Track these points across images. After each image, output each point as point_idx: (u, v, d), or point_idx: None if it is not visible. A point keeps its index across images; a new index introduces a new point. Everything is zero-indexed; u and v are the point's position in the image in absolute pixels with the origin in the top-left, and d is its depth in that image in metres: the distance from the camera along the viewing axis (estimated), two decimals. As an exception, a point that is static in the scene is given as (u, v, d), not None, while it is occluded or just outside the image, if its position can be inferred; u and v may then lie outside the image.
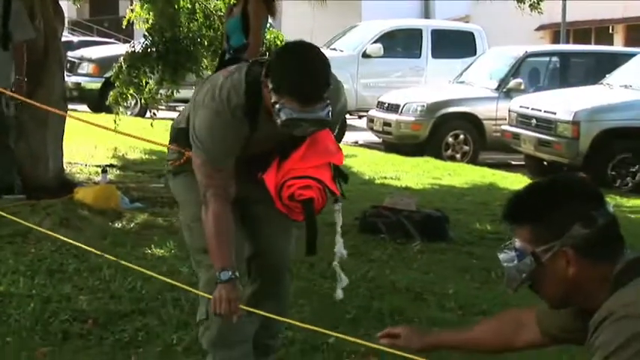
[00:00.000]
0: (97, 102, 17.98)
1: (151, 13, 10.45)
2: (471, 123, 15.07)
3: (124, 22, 11.40)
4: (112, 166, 10.71)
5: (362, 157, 14.03)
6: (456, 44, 18.61)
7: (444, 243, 7.64)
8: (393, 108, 15.55)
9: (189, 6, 10.42)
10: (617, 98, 12.89)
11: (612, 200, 10.40)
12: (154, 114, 11.66)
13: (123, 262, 5.09)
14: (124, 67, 10.38)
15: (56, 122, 8.38)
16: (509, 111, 14.06)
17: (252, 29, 8.15)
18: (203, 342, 4.13)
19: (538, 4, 10.41)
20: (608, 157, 12.36)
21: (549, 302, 2.80)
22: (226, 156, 3.81)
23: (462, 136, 15.06)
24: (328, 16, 21.93)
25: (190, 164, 3.92)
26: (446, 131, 15.02)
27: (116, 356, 4.78)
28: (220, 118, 3.76)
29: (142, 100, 12.50)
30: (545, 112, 12.96)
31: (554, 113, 12.74)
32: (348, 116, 17.01)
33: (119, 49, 17.46)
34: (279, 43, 10.01)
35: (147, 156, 11.90)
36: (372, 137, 17.14)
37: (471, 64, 16.86)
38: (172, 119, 4.53)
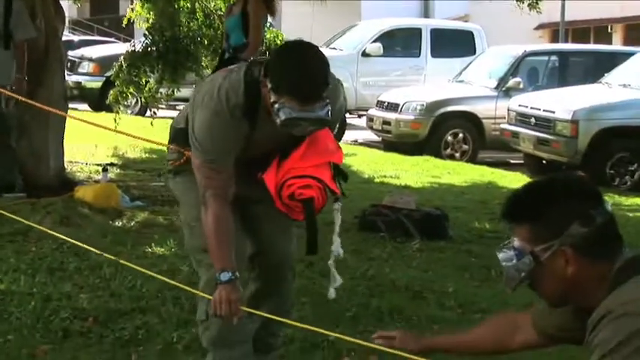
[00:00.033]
0: (98, 101, 18.01)
1: (151, 12, 10.47)
2: (471, 122, 15.07)
3: (125, 22, 11.42)
4: (112, 164, 10.72)
5: (361, 155, 14.04)
6: (455, 43, 18.62)
7: (444, 241, 7.64)
8: (393, 107, 15.56)
9: (189, 5, 10.44)
10: (616, 97, 12.89)
11: (611, 199, 10.41)
12: (154, 113, 11.67)
13: (122, 262, 5.08)
14: (124, 66, 10.40)
15: (57, 121, 8.38)
16: (508, 110, 14.07)
17: (251, 28, 8.16)
18: (203, 341, 4.13)
19: (537, 3, 10.42)
20: (607, 155, 12.37)
21: (548, 301, 2.80)
22: (226, 156, 3.80)
23: (461, 135, 15.06)
24: (328, 16, 21.96)
25: (190, 164, 3.91)
26: (445, 130, 15.03)
27: (116, 354, 4.78)
28: (219, 119, 3.75)
29: (142, 99, 12.52)
30: (544, 110, 12.97)
31: (553, 112, 12.74)
32: (347, 115, 17.00)
33: (119, 48, 17.47)
34: (278, 42, 10.02)
35: (147, 155, 11.90)
36: (371, 136, 17.14)
37: (470, 63, 16.87)
38: (172, 118, 4.52)
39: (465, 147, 15.04)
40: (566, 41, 28.20)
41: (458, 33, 19.30)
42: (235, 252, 3.79)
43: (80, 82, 19.03)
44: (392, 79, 17.95)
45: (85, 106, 18.88)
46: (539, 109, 13.07)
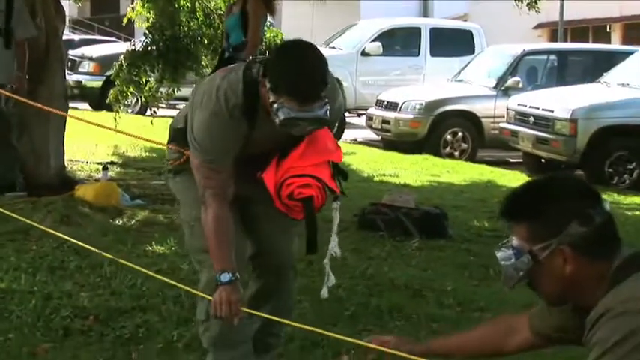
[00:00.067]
0: (98, 100, 18.01)
1: (151, 11, 10.48)
2: (470, 121, 15.09)
3: (125, 21, 11.45)
4: (112, 163, 10.72)
5: (361, 154, 14.04)
6: (454, 43, 18.63)
7: (443, 240, 7.65)
8: (392, 106, 15.58)
9: (190, 5, 10.44)
10: (615, 96, 12.91)
11: (609, 198, 10.43)
12: (155, 112, 11.67)
13: (120, 261, 5.08)
14: (124, 66, 10.41)
15: (58, 120, 8.38)
16: (507, 109, 14.08)
17: (250, 27, 8.16)
18: (203, 341, 4.13)
19: (536, 3, 10.45)
20: (606, 154, 12.37)
21: (546, 300, 2.81)
22: (225, 157, 3.79)
23: (460, 134, 15.08)
24: (327, 16, 22.01)
25: (190, 164, 3.91)
26: (444, 129, 15.04)
27: (117, 352, 4.79)
28: (218, 119, 3.74)
29: (143, 98, 12.54)
30: (542, 109, 12.98)
31: (552, 111, 12.76)
32: (347, 114, 17.03)
33: (120, 47, 17.51)
34: (278, 42, 10.02)
35: (147, 153, 11.89)
36: (371, 135, 17.15)
37: (470, 62, 16.89)
38: (172, 117, 4.51)
39: (464, 146, 15.06)
40: (564, 40, 28.21)
41: (457, 32, 19.30)
42: (235, 252, 3.78)
43: (81, 81, 19.07)
44: (391, 78, 17.95)
45: (86, 105, 18.90)
46: (538, 108, 13.08)
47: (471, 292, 6.19)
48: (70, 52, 18.71)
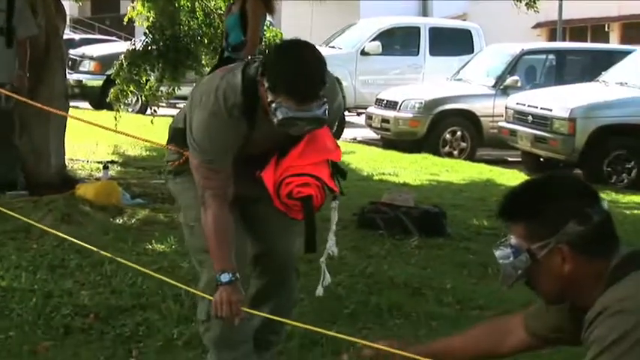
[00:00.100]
0: (99, 99, 18.07)
1: (151, 11, 10.49)
2: (469, 120, 15.11)
3: (126, 20, 11.46)
4: (113, 162, 10.74)
5: (360, 153, 14.05)
6: (453, 42, 18.65)
7: (442, 238, 7.66)
8: (392, 105, 15.60)
9: (190, 4, 10.45)
10: (613, 95, 12.92)
11: (608, 196, 10.44)
12: (155, 111, 11.68)
13: (119, 260, 5.07)
14: (124, 65, 10.42)
15: (58, 119, 8.38)
16: (506, 108, 14.10)
17: (250, 27, 8.16)
18: (205, 341, 4.13)
19: (534, 2, 10.46)
20: (604, 153, 12.38)
21: (545, 298, 2.82)
22: (224, 156, 3.78)
23: (459, 133, 15.10)
24: (327, 16, 22.02)
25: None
26: (443, 128, 15.06)
27: (117, 350, 4.80)
28: (217, 119, 3.73)
29: (143, 98, 12.55)
30: (541, 109, 12.99)
31: (551, 110, 12.77)
32: (346, 113, 17.05)
33: (120, 46, 17.54)
34: (278, 41, 10.00)
35: (148, 152, 11.90)
36: (370, 134, 17.16)
37: (469, 61, 16.90)
38: (173, 116, 4.52)
39: (463, 145, 15.07)
40: (563, 40, 28.23)
41: (456, 32, 19.32)
42: (235, 252, 3.78)
43: (81, 81, 19.12)
44: (391, 77, 17.97)
45: (86, 105, 18.92)
46: (537, 107, 13.10)
47: (470, 290, 6.20)
48: (71, 51, 18.71)
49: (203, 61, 10.47)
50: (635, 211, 9.96)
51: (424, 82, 17.93)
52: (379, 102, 16.06)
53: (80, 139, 11.33)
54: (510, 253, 2.71)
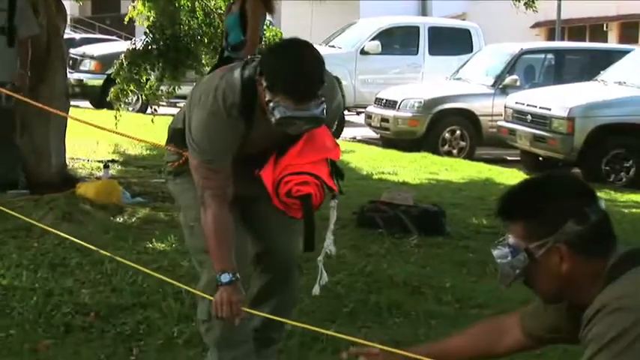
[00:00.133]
0: (99, 98, 18.10)
1: (152, 10, 10.50)
2: (468, 119, 15.12)
3: (126, 20, 11.48)
4: (113, 161, 10.74)
5: (360, 152, 14.06)
6: (452, 41, 18.66)
7: (441, 237, 7.67)
8: (391, 104, 15.61)
9: (190, 4, 10.46)
10: (612, 95, 12.93)
11: (606, 195, 10.47)
12: (155, 110, 11.70)
13: (118, 259, 5.08)
14: (125, 64, 10.43)
15: (59, 118, 8.39)
16: (505, 107, 14.11)
17: (249, 26, 8.16)
18: (206, 341, 4.14)
19: (533, 2, 10.48)
20: (603, 152, 12.40)
21: (543, 297, 2.82)
22: (223, 156, 3.77)
23: (458, 132, 15.11)
24: (327, 15, 22.02)
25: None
26: (443, 127, 15.08)
27: (117, 349, 4.80)
28: (216, 119, 3.72)
29: (143, 97, 12.57)
30: (540, 108, 13.00)
31: (550, 109, 12.78)
32: (346, 112, 17.06)
33: (121, 46, 17.52)
34: (278, 41, 10.04)
35: (148, 151, 11.88)
36: (369, 133, 17.17)
37: (468, 61, 16.91)
38: (173, 115, 4.52)
39: (463, 144, 15.09)
40: (562, 39, 28.24)
41: (455, 31, 19.31)
42: (236, 252, 3.77)
43: (82, 80, 19.16)
44: (390, 76, 17.98)
45: (87, 104, 18.94)
46: (536, 107, 13.11)
47: (469, 288, 6.20)
48: (71, 50, 18.75)
49: (203, 61, 10.48)
50: (634, 210, 9.97)
51: (423, 81, 17.94)
52: (378, 101, 16.08)
53: (81, 138, 11.32)
54: (508, 253, 2.71)
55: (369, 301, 5.72)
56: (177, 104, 15.96)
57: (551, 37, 29.85)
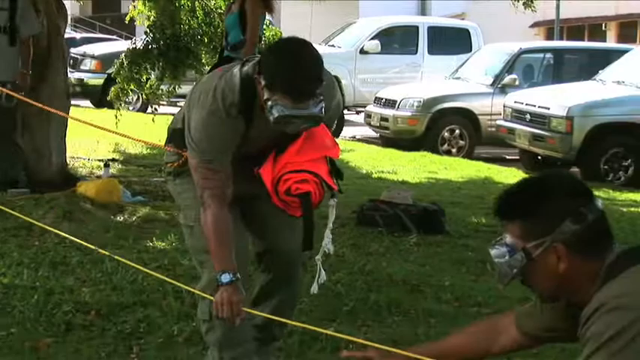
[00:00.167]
0: (100, 97, 18.16)
1: (152, 10, 10.50)
2: (467, 118, 15.13)
3: (126, 19, 11.50)
4: (114, 160, 10.76)
5: (359, 151, 14.06)
6: (452, 41, 18.67)
7: (440, 236, 7.67)
8: (390, 103, 15.62)
9: (190, 4, 10.45)
10: (610, 94, 12.94)
11: (605, 194, 10.48)
12: (155, 109, 11.70)
13: (117, 258, 5.09)
14: (125, 64, 10.43)
15: (59, 117, 8.41)
16: (504, 106, 14.11)
17: (248, 26, 8.17)
18: (207, 341, 4.14)
19: (531, 2, 10.49)
20: (601, 151, 12.41)
21: (540, 296, 2.84)
22: (222, 156, 3.75)
23: (457, 131, 15.13)
24: (326, 15, 22.02)
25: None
26: (442, 126, 15.09)
27: (118, 347, 4.80)
28: (215, 118, 3.71)
29: (143, 96, 12.58)
30: (539, 107, 13.01)
31: (548, 108, 12.79)
32: (345, 111, 17.06)
33: (121, 45, 17.57)
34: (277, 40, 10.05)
35: (148, 150, 11.87)
36: (369, 132, 17.18)
37: (467, 60, 16.92)
38: (173, 115, 4.52)
39: (462, 143, 15.10)
40: (561, 39, 28.25)
41: (454, 31, 19.32)
42: (236, 251, 3.76)
43: (82, 79, 19.22)
44: (389, 76, 18.00)
45: (87, 103, 18.97)
46: (535, 106, 13.12)
47: (468, 287, 6.20)
48: (72, 50, 18.80)
49: (203, 60, 10.48)
50: (632, 209, 9.96)
51: (423, 80, 17.95)
52: (378, 100, 16.09)
53: (81, 137, 11.34)
54: (506, 252, 2.72)
55: (368, 299, 5.72)
56: (178, 103, 15.96)
57: (550, 36, 29.88)
